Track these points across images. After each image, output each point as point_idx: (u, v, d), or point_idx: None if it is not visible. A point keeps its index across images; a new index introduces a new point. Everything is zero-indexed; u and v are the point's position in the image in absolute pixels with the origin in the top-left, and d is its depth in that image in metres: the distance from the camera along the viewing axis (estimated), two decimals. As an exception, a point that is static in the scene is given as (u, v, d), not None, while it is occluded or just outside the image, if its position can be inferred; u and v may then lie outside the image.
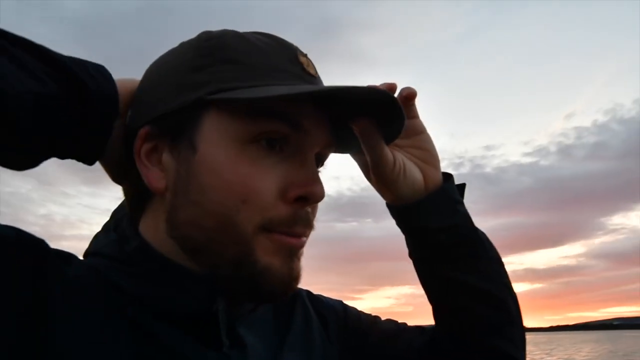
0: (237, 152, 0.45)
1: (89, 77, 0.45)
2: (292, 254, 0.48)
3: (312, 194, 0.47)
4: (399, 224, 0.66)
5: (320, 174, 0.51)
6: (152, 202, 0.51)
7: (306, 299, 0.67)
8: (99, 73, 0.47)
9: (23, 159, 0.44)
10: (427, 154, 0.64)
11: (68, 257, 0.48)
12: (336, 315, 0.69)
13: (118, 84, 0.48)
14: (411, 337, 0.70)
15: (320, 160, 0.53)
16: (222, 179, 0.45)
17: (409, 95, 0.59)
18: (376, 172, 0.60)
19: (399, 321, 0.75)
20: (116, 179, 0.54)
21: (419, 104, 0.62)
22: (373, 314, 0.75)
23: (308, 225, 0.49)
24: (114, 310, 0.46)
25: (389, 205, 0.65)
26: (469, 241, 0.64)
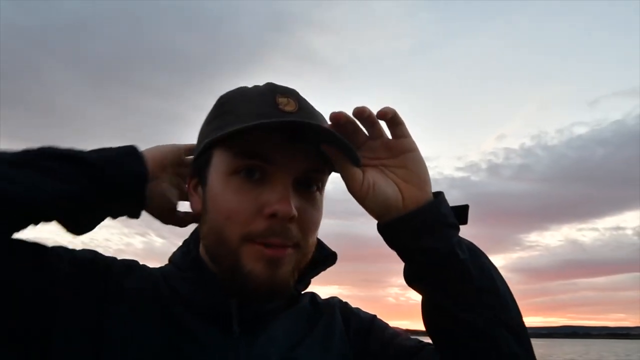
0: (225, 182, 0.60)
1: (117, 165, 0.57)
2: (273, 263, 0.58)
3: (279, 211, 0.56)
4: (385, 241, 0.65)
5: (314, 193, 0.63)
6: (200, 226, 0.68)
7: (337, 308, 0.75)
8: (127, 156, 0.59)
9: (78, 231, 0.60)
10: (410, 173, 0.62)
11: (129, 267, 0.67)
12: (361, 323, 0.74)
13: (148, 157, 0.61)
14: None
15: (309, 184, 0.63)
16: (215, 203, 0.60)
17: (382, 115, 0.59)
18: (348, 189, 0.63)
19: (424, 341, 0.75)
20: (165, 222, 0.70)
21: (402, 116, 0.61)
22: (402, 329, 0.77)
23: (285, 237, 0.58)
24: (162, 306, 0.63)
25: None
26: (449, 266, 0.59)
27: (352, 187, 0.62)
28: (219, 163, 0.61)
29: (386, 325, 0.76)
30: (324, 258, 0.71)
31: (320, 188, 0.65)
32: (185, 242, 0.72)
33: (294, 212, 0.57)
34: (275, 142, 0.58)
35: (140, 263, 0.71)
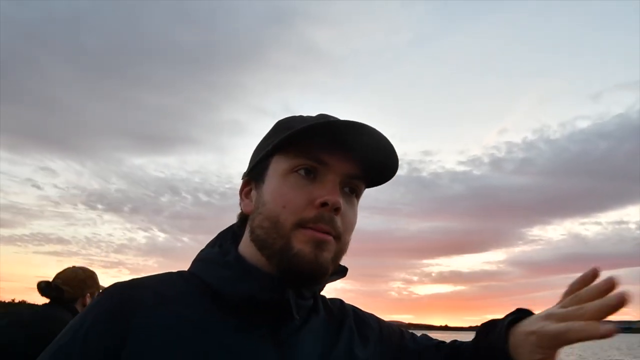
0: (283, 179, 0.71)
1: None
2: (318, 245, 0.67)
3: (330, 200, 0.67)
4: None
5: (352, 198, 0.74)
6: (248, 224, 0.76)
7: (351, 313, 0.85)
8: None
9: None
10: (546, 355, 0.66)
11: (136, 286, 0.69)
12: (372, 329, 0.84)
13: None
14: (430, 356, 0.83)
15: (352, 189, 0.74)
16: (272, 196, 0.70)
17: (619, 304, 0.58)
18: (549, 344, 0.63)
19: (419, 335, 0.90)
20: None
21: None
22: (398, 325, 0.90)
23: (331, 225, 0.68)
24: (199, 302, 0.68)
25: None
26: None
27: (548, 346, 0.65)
28: (277, 165, 0.72)
29: (389, 324, 0.88)
30: (339, 270, 0.78)
31: (358, 195, 0.76)
32: (211, 243, 0.80)
33: (341, 203, 0.68)
34: (327, 147, 0.69)
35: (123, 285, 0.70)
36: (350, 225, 0.73)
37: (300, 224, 0.67)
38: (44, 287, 2.01)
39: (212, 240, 0.80)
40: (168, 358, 0.61)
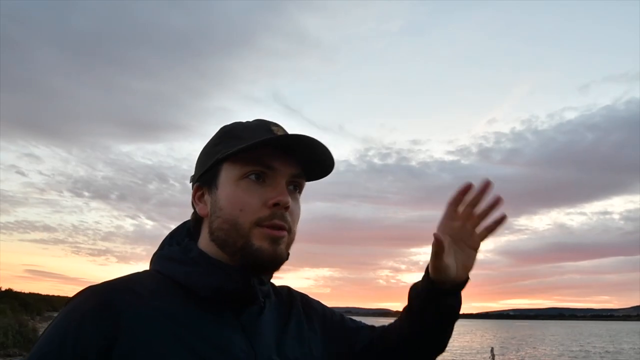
0: (236, 184, 0.79)
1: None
2: (275, 241, 0.79)
3: (280, 200, 0.78)
4: (423, 296, 0.89)
5: (296, 194, 0.85)
6: (203, 224, 0.86)
7: (299, 298, 0.98)
8: None
9: None
10: (468, 262, 0.90)
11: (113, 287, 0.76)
12: (317, 312, 0.98)
13: None
14: (363, 336, 0.98)
15: (296, 187, 0.85)
16: (229, 201, 0.79)
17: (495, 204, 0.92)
18: (436, 256, 0.86)
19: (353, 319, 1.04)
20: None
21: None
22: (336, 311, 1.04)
23: (284, 220, 0.79)
24: (169, 298, 0.76)
25: (432, 282, 0.88)
26: (454, 318, 0.93)
27: (439, 254, 0.86)
28: (229, 172, 0.81)
29: (331, 310, 1.01)
30: None
31: (300, 191, 0.87)
32: (167, 241, 0.88)
33: (290, 201, 0.80)
34: (273, 154, 0.80)
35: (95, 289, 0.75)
36: (297, 217, 0.84)
37: (257, 223, 0.77)
38: None
39: (166, 239, 0.88)
40: (158, 350, 0.68)
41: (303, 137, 0.79)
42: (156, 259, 0.85)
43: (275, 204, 0.77)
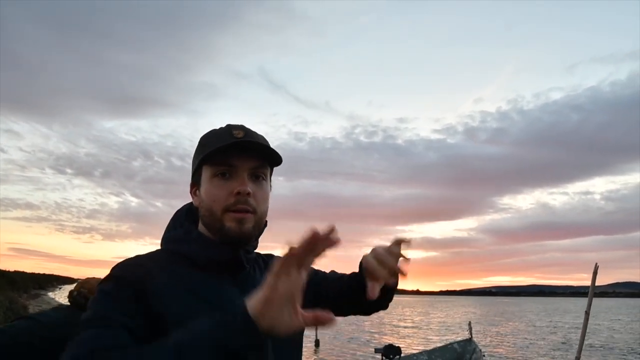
0: (209, 182, 1.02)
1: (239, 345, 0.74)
2: (239, 221, 0.99)
3: (241, 189, 0.98)
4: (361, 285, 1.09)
5: (260, 181, 1.04)
6: (199, 212, 1.08)
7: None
8: (245, 335, 0.74)
9: None
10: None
11: (130, 265, 0.96)
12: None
13: (253, 312, 0.75)
14: (333, 284, 1.20)
15: (257, 176, 1.04)
16: (206, 195, 1.02)
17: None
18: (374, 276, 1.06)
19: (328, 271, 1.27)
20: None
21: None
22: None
23: (246, 204, 0.99)
24: (180, 267, 0.98)
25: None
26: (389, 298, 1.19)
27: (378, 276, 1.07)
28: (205, 173, 1.03)
29: (316, 269, 1.25)
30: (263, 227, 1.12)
31: (265, 178, 1.06)
32: (171, 226, 1.10)
33: (249, 189, 0.99)
34: (233, 154, 1.01)
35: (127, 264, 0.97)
36: (262, 200, 1.03)
37: (226, 209, 0.99)
38: (75, 296, 2.15)
39: (170, 223, 1.10)
40: (177, 300, 0.91)
41: (247, 142, 1.00)
42: (165, 241, 1.06)
43: (237, 193, 0.98)
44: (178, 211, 1.13)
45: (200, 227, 1.06)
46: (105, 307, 0.87)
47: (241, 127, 1.06)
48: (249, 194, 0.99)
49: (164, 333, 0.81)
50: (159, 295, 0.90)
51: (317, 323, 0.74)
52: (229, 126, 1.07)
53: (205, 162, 1.02)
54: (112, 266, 0.95)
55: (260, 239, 1.10)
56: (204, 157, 1.01)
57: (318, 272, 1.26)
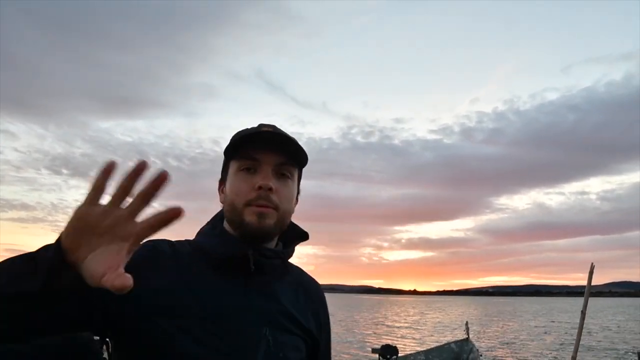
0: (235, 176, 1.00)
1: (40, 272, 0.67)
2: (260, 215, 0.97)
3: (263, 184, 0.96)
4: None
5: (285, 179, 1.02)
6: (224, 208, 1.06)
7: (315, 287, 1.16)
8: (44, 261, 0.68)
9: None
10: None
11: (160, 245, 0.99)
12: (325, 315, 1.16)
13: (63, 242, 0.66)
14: None
15: (282, 173, 1.02)
16: (230, 189, 1.00)
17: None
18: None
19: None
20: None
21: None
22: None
23: (268, 200, 0.97)
24: (196, 260, 0.98)
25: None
26: None
27: None
28: (231, 168, 1.02)
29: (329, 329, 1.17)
30: (300, 234, 1.12)
31: (291, 177, 1.03)
32: (209, 223, 1.08)
33: (271, 184, 0.98)
34: (258, 149, 0.99)
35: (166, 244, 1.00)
36: (285, 198, 1.00)
37: (248, 204, 0.97)
38: None
39: (210, 221, 1.08)
40: (168, 290, 0.90)
41: (273, 133, 1.00)
42: (197, 234, 1.06)
43: (259, 187, 0.96)
44: (219, 212, 1.11)
45: (225, 224, 1.04)
46: None
47: (271, 125, 1.05)
48: (270, 189, 0.97)
49: (152, 317, 0.87)
50: (163, 281, 0.91)
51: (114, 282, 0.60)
52: (259, 124, 1.06)
53: (232, 157, 1.02)
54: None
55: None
56: (228, 149, 1.02)
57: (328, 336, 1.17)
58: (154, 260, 0.94)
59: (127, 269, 0.63)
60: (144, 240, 0.68)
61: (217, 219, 1.08)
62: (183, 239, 1.04)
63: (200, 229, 1.07)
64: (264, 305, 0.98)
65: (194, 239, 1.05)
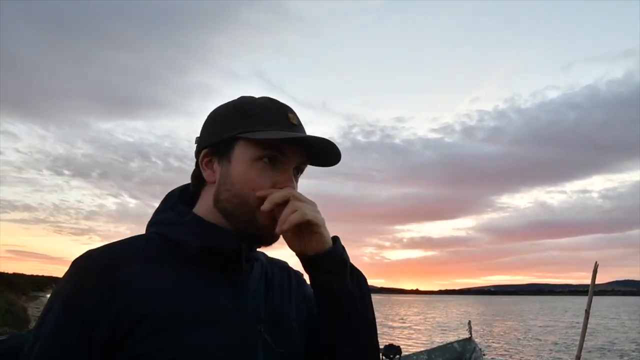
0: (250, 164, 0.83)
1: None
2: (275, 221, 0.82)
3: (289, 189, 0.83)
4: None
5: (298, 177, 0.90)
6: (205, 189, 0.90)
7: (294, 274, 1.03)
8: None
9: None
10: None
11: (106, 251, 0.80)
12: (309, 297, 0.98)
13: None
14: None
15: (300, 170, 0.90)
16: (242, 179, 0.83)
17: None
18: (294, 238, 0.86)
19: None
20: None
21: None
22: None
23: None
24: (165, 256, 0.82)
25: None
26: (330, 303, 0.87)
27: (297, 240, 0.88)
28: (245, 150, 0.84)
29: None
30: None
31: (301, 174, 0.92)
32: (161, 208, 0.92)
33: (295, 190, 0.86)
34: (288, 141, 0.84)
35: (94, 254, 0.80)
36: None
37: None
38: None
39: (160, 206, 0.92)
40: (149, 305, 0.74)
41: (321, 140, 0.84)
42: (151, 224, 0.89)
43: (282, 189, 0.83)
44: (170, 192, 0.95)
45: (202, 210, 0.88)
46: (49, 346, 0.72)
47: (293, 110, 0.91)
48: (294, 195, 0.83)
49: (143, 339, 0.73)
50: (134, 295, 0.75)
51: None
52: (277, 104, 0.90)
53: (251, 138, 0.84)
54: (73, 261, 0.78)
55: None
56: (261, 140, 0.83)
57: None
58: (113, 280, 0.76)
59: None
60: (85, 261, 0.77)
61: (173, 201, 0.91)
62: (135, 235, 0.87)
63: (159, 218, 0.89)
64: (251, 302, 0.87)
65: (153, 231, 0.87)
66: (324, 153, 0.88)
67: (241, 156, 0.84)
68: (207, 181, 0.89)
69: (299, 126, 0.89)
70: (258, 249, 0.93)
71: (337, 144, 0.86)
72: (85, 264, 0.77)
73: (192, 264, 0.82)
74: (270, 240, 0.87)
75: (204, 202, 0.89)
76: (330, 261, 0.86)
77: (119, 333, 0.73)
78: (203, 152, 0.89)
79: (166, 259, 0.82)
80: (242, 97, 0.91)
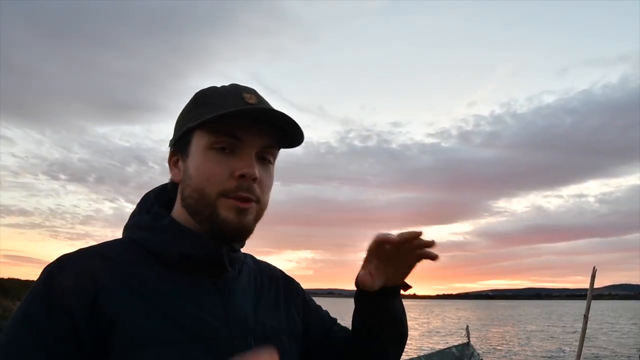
0: (204, 154, 0.78)
1: None
2: (241, 212, 0.77)
3: (247, 172, 0.76)
4: (370, 301, 0.91)
5: (267, 165, 0.83)
6: (179, 190, 0.84)
7: (280, 275, 1.00)
8: None
9: None
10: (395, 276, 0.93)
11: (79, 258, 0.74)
12: (299, 294, 1.00)
13: None
14: (327, 329, 1.00)
15: (265, 158, 0.82)
16: (198, 171, 0.78)
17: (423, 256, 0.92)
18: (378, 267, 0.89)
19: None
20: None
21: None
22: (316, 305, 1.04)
23: (250, 192, 0.78)
24: (143, 263, 0.76)
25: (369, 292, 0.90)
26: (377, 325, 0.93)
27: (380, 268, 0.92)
28: (199, 141, 0.79)
29: (310, 297, 1.04)
30: None
31: (272, 161, 0.85)
32: (137, 211, 0.87)
33: (257, 173, 0.78)
34: (242, 124, 0.78)
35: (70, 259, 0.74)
36: (267, 188, 0.83)
37: (224, 194, 0.77)
38: None
39: (137, 208, 0.87)
40: (131, 313, 0.68)
41: (270, 111, 0.78)
42: (127, 228, 0.84)
43: (242, 176, 0.77)
44: (146, 194, 0.89)
45: (177, 212, 0.83)
46: (23, 348, 0.64)
47: (252, 91, 0.84)
48: (255, 179, 0.78)
49: (117, 357, 0.66)
50: (110, 303, 0.68)
51: None
52: (236, 86, 0.84)
53: (202, 127, 0.78)
54: (45, 266, 0.72)
55: (251, 241, 0.88)
56: (204, 121, 0.77)
57: (310, 302, 1.03)
58: (90, 289, 0.69)
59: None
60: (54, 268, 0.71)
61: (150, 204, 0.86)
62: (111, 240, 0.82)
63: (134, 221, 0.84)
64: (240, 310, 0.81)
65: (129, 235, 0.82)
66: (284, 132, 0.82)
67: (196, 147, 0.80)
68: (175, 181, 0.85)
69: (257, 104, 0.81)
70: (242, 250, 0.90)
71: (292, 117, 0.80)
72: (57, 270, 0.71)
73: (172, 270, 0.77)
74: (240, 233, 0.80)
75: (177, 203, 0.84)
76: (397, 287, 0.95)
77: (88, 347, 0.66)
78: (170, 152, 0.87)
79: (144, 264, 0.76)
80: (202, 89, 0.86)
